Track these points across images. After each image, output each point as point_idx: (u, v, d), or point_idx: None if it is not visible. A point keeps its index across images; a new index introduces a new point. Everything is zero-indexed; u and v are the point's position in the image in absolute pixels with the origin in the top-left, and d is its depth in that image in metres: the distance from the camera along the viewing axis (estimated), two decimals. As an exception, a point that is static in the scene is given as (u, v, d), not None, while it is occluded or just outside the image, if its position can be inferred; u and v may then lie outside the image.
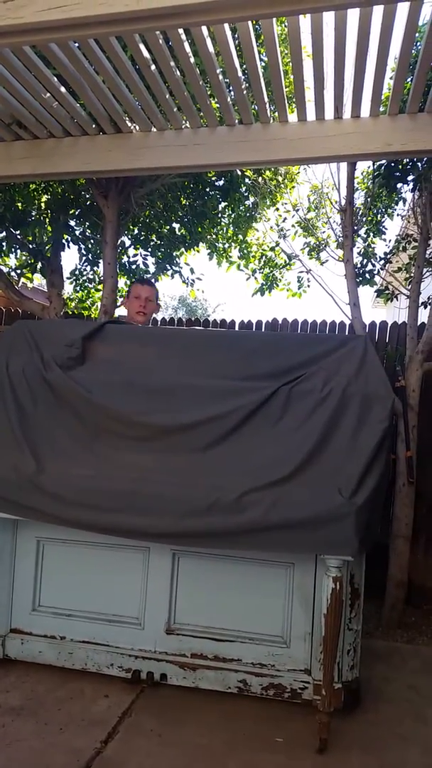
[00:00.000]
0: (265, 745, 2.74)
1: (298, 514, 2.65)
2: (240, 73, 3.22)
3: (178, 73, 3.27)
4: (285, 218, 6.19)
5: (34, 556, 3.36)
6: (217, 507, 2.75)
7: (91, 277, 7.37)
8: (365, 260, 5.55)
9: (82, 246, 6.80)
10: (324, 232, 5.87)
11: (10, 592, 3.36)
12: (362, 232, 5.48)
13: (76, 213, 6.39)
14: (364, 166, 5.50)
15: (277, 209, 6.35)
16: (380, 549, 4.37)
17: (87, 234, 6.67)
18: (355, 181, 5.04)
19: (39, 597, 3.36)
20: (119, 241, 5.98)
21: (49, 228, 6.24)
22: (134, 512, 2.85)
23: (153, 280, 6.36)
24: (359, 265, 5.48)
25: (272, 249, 6.65)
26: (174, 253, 6.84)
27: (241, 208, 6.50)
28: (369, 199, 5.30)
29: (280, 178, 6.20)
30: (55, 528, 3.07)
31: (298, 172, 6.29)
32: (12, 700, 3.00)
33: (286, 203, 6.22)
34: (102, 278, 6.08)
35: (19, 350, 3.45)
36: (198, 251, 6.96)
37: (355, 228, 5.08)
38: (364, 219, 5.28)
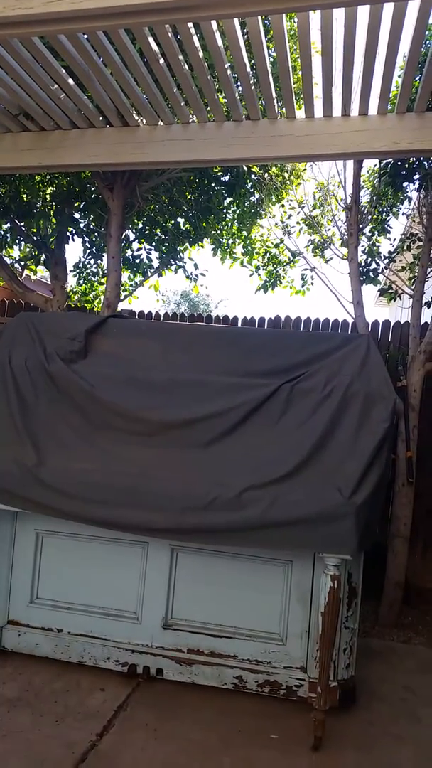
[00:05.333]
0: (260, 741, 2.75)
1: (298, 512, 2.66)
2: (248, 68, 3.20)
3: (187, 67, 3.25)
4: (290, 215, 6.18)
5: (33, 549, 3.36)
6: (217, 503, 2.75)
7: (95, 270, 7.36)
8: (369, 259, 5.54)
9: (87, 239, 6.78)
10: (329, 229, 5.86)
11: (8, 583, 3.37)
12: (367, 230, 5.47)
13: (81, 205, 6.37)
14: (370, 164, 5.48)
15: (283, 206, 6.34)
16: (378, 549, 4.38)
17: (91, 227, 6.66)
18: (361, 179, 5.02)
19: (37, 589, 3.37)
20: (123, 234, 5.97)
21: (54, 220, 6.23)
22: (134, 507, 2.85)
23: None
24: (363, 264, 5.46)
25: (276, 246, 6.64)
26: (178, 248, 6.82)
27: (246, 204, 6.49)
28: (374, 198, 5.29)
29: (286, 175, 6.18)
30: (54, 521, 3.08)
31: (305, 169, 6.27)
32: (8, 691, 3.01)
33: (291, 200, 6.20)
34: (105, 272, 6.07)
35: (22, 343, 3.44)
36: (202, 246, 6.94)
37: (360, 226, 5.06)
38: (369, 217, 5.26)
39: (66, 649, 3.26)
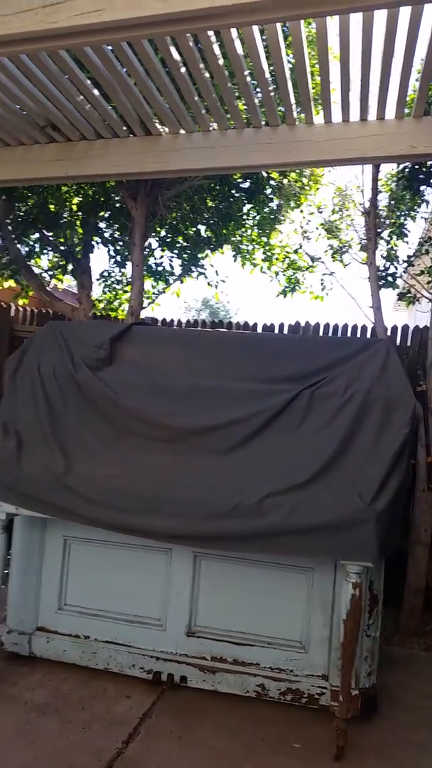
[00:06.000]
0: (282, 749, 2.73)
1: (319, 518, 2.64)
2: (267, 75, 3.22)
3: (207, 74, 3.28)
4: (309, 220, 6.17)
5: (61, 555, 3.40)
6: (239, 510, 2.75)
7: (119, 278, 7.43)
8: (388, 263, 5.51)
9: (111, 248, 6.86)
10: (347, 234, 5.84)
11: (38, 590, 3.40)
12: (385, 234, 5.44)
13: (106, 215, 6.45)
14: (388, 168, 5.46)
15: (302, 211, 6.34)
16: (398, 556, 4.32)
17: (116, 236, 6.73)
18: (379, 183, 5.00)
19: (65, 596, 3.40)
20: (146, 242, 6.02)
21: (80, 230, 6.31)
22: (156, 514, 2.86)
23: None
24: (382, 268, 5.43)
25: (296, 251, 6.64)
26: (199, 255, 6.86)
27: (265, 209, 6.51)
28: (392, 202, 5.26)
29: (305, 180, 6.18)
30: (81, 527, 3.10)
31: (323, 174, 6.27)
32: (37, 697, 3.03)
33: (310, 205, 6.20)
34: (130, 280, 6.13)
35: (51, 351, 3.49)
36: (222, 253, 6.98)
37: (379, 230, 5.04)
38: (387, 221, 5.24)
39: (93, 655, 3.27)
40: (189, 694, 3.13)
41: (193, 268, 6.91)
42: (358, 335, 5.79)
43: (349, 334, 5.85)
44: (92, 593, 3.36)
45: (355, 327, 5.86)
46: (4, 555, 3.22)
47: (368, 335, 5.61)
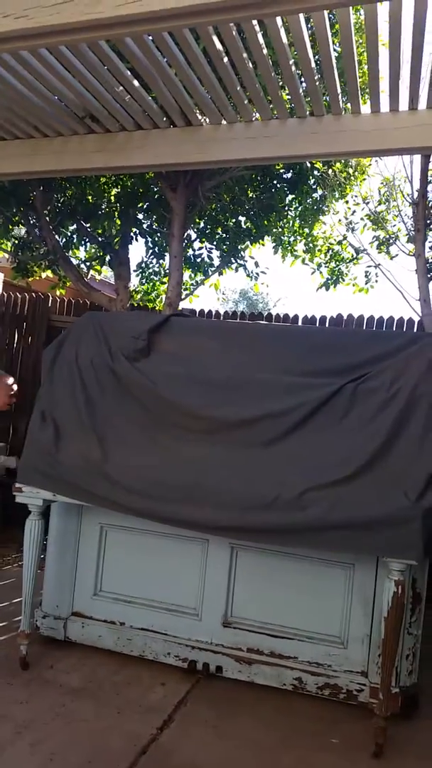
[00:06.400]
0: (319, 744, 2.72)
1: (361, 514, 2.61)
2: (313, 64, 3.16)
3: (251, 64, 3.24)
4: (354, 211, 6.08)
5: (97, 542, 3.44)
6: (278, 503, 2.74)
7: (157, 270, 7.45)
8: (437, 255, 5.39)
9: (149, 239, 6.88)
10: (394, 225, 5.73)
11: (73, 576, 3.46)
12: (434, 225, 5.32)
13: (145, 206, 6.47)
14: (438, 158, 5.32)
15: (347, 202, 6.24)
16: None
17: (154, 227, 6.75)
18: (429, 173, 4.88)
19: (101, 582, 3.45)
20: (185, 234, 6.02)
21: (118, 221, 6.35)
22: (195, 504, 2.87)
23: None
24: (431, 260, 5.32)
25: (339, 243, 6.55)
26: (239, 247, 6.82)
27: (308, 200, 6.43)
28: (442, 192, 5.14)
29: (350, 170, 6.08)
30: (118, 515, 3.14)
31: (370, 164, 6.16)
32: (72, 681, 3.09)
33: (356, 196, 6.10)
34: (167, 271, 6.14)
35: (88, 341, 3.52)
36: (263, 244, 6.93)
37: (428, 221, 4.93)
38: (437, 212, 5.12)
39: (128, 642, 3.31)
40: (224, 684, 3.14)
41: (232, 260, 6.89)
42: (405, 329, 5.66)
43: (395, 328, 5.72)
44: (128, 580, 3.39)
45: (401, 320, 5.73)
46: (41, 541, 3.27)
47: (415, 329, 5.49)
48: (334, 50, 3.28)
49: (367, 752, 2.66)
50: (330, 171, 6.01)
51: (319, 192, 6.34)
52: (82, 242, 7.15)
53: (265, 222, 6.42)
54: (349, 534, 2.64)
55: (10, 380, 5.03)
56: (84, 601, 3.44)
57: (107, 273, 8.41)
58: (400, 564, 2.64)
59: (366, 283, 6.39)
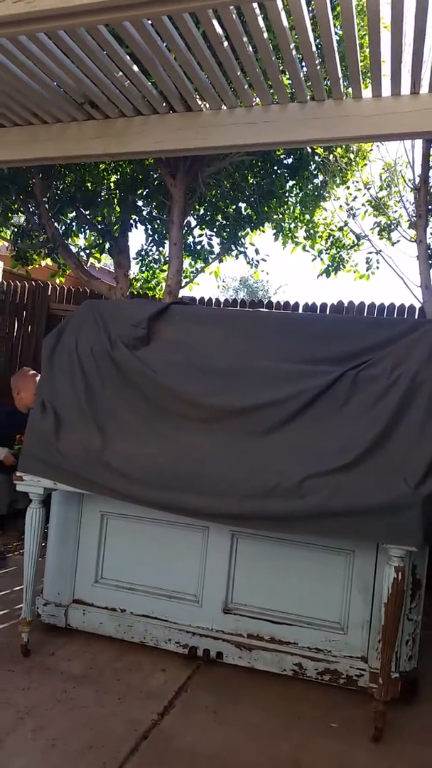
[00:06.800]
0: (319, 729, 2.74)
1: (361, 501, 2.62)
2: (314, 48, 3.12)
3: (251, 48, 3.20)
4: (355, 197, 6.04)
5: (98, 529, 3.45)
6: (278, 491, 2.74)
7: (157, 257, 7.42)
8: (439, 241, 5.35)
9: (149, 226, 6.85)
10: (396, 211, 5.70)
11: (74, 563, 3.47)
12: (436, 211, 5.28)
13: (144, 193, 6.42)
14: (440, 143, 5.27)
15: (348, 187, 6.20)
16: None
17: (154, 214, 6.71)
18: (431, 158, 4.84)
19: (101, 569, 3.46)
20: (185, 221, 5.98)
21: (118, 208, 6.31)
22: (195, 492, 2.88)
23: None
24: (432, 246, 5.29)
25: (340, 229, 6.51)
26: (239, 234, 6.79)
27: (309, 186, 6.38)
28: (444, 178, 5.10)
29: (351, 156, 6.03)
30: (118, 503, 3.14)
31: (371, 150, 6.11)
32: (74, 668, 3.11)
33: (357, 181, 6.06)
34: (167, 259, 6.12)
35: (88, 330, 3.51)
36: (263, 231, 6.89)
37: (430, 207, 4.89)
38: (438, 198, 5.08)
39: (128, 629, 3.33)
40: (225, 669, 3.16)
41: (232, 247, 6.85)
42: (406, 316, 5.64)
43: (396, 315, 5.70)
44: (129, 568, 3.41)
45: (402, 307, 5.70)
46: (42, 529, 3.28)
47: (416, 316, 5.47)
48: (336, 34, 3.24)
49: (367, 736, 2.68)
50: (331, 156, 5.96)
51: (320, 178, 6.30)
52: (82, 230, 7.11)
53: (266, 208, 6.38)
54: (349, 521, 2.65)
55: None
56: (85, 589, 3.46)
57: (107, 261, 8.38)
58: (400, 550, 2.65)
59: (367, 270, 6.37)
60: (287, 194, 6.53)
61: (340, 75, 3.27)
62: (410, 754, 2.61)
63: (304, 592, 3.12)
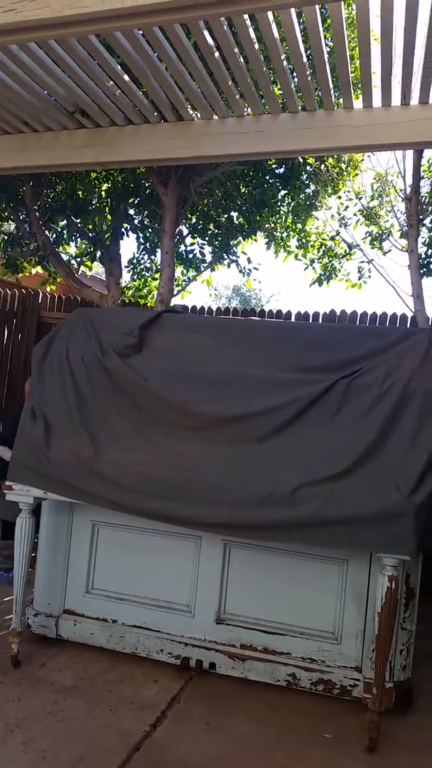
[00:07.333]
0: (313, 739, 2.72)
1: (354, 510, 2.61)
2: (304, 59, 3.15)
3: (242, 59, 3.22)
4: (347, 206, 6.07)
5: (89, 539, 3.43)
6: (271, 500, 2.73)
7: (149, 265, 7.42)
8: (430, 250, 5.39)
9: (140, 235, 6.85)
10: (387, 221, 5.73)
11: (65, 573, 3.44)
12: (427, 221, 5.32)
13: (136, 201, 6.43)
14: (430, 153, 5.33)
15: (339, 197, 6.23)
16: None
17: (145, 223, 6.72)
18: (422, 168, 4.88)
19: (92, 579, 3.43)
20: (177, 229, 5.99)
21: (109, 217, 6.31)
22: (187, 501, 2.86)
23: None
24: (423, 256, 5.32)
25: (332, 238, 6.54)
26: (231, 242, 6.80)
27: (301, 196, 6.41)
28: (435, 188, 5.14)
29: (343, 166, 6.07)
30: (109, 512, 3.12)
31: (362, 160, 6.15)
32: (64, 679, 3.08)
33: (348, 191, 6.10)
34: (159, 267, 6.12)
35: (79, 337, 3.50)
36: (255, 240, 6.91)
37: (421, 217, 4.93)
38: (429, 208, 5.12)
39: (120, 639, 3.30)
40: (218, 680, 3.14)
41: (224, 256, 6.87)
42: (398, 325, 5.66)
43: (388, 324, 5.72)
44: (120, 578, 3.38)
45: (394, 316, 5.73)
46: (31, 538, 3.25)
47: (408, 325, 5.49)
48: (326, 45, 3.26)
49: (361, 747, 2.66)
50: (322, 166, 6.00)
51: (312, 187, 6.33)
52: (73, 238, 7.11)
53: (258, 217, 6.40)
54: (342, 530, 2.64)
55: None
56: (76, 599, 3.43)
57: (98, 269, 8.38)
58: (394, 559, 2.64)
59: (359, 279, 6.40)
60: (279, 203, 6.56)
61: (331, 86, 3.29)
62: (405, 765, 2.60)
63: (297, 601, 3.11)
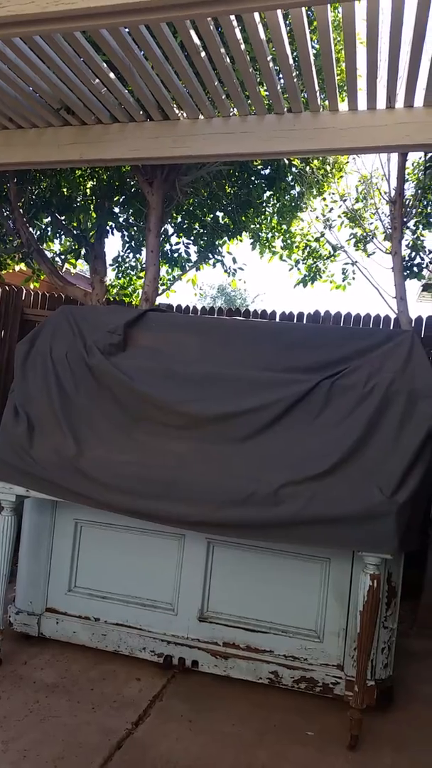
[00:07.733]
0: (295, 737, 2.74)
1: (337, 509, 2.63)
2: (291, 61, 3.16)
3: (228, 60, 3.23)
4: (332, 208, 6.11)
5: (72, 538, 3.42)
6: (254, 499, 2.74)
7: (134, 264, 7.41)
8: (413, 253, 5.44)
9: (126, 233, 6.83)
10: (372, 223, 5.78)
11: (47, 571, 3.43)
12: (411, 224, 5.37)
13: (121, 200, 6.42)
14: (415, 157, 5.38)
15: (324, 199, 6.27)
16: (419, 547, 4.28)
17: (130, 221, 6.70)
18: (406, 171, 4.93)
19: (75, 578, 3.42)
20: (162, 228, 5.98)
21: (94, 214, 6.29)
22: (171, 500, 2.87)
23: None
24: (407, 258, 5.37)
25: (317, 239, 6.57)
26: (216, 242, 6.81)
27: (286, 197, 6.44)
28: (419, 191, 5.19)
29: (328, 168, 6.11)
30: (92, 510, 3.12)
31: (347, 162, 6.19)
32: (46, 677, 3.07)
33: (333, 193, 6.13)
34: (144, 266, 6.11)
35: (63, 335, 3.49)
36: (241, 240, 6.93)
37: (405, 220, 4.97)
38: (413, 211, 5.17)
39: (102, 637, 3.30)
40: (200, 678, 3.15)
41: (210, 255, 6.87)
42: (382, 326, 5.70)
43: (371, 325, 5.76)
44: (103, 576, 3.38)
45: (378, 317, 5.77)
46: (14, 537, 3.24)
47: (392, 326, 5.53)
48: (313, 47, 3.28)
49: (343, 744, 2.69)
50: (308, 168, 6.03)
51: (297, 189, 6.36)
52: (57, 235, 7.07)
53: (243, 218, 6.42)
54: (325, 529, 2.66)
55: None
56: (58, 597, 3.42)
57: (83, 267, 8.34)
58: (376, 558, 2.67)
59: (343, 280, 6.44)
60: (264, 204, 6.58)
61: (316, 88, 3.31)
62: (386, 762, 2.63)
63: (280, 599, 3.13)
